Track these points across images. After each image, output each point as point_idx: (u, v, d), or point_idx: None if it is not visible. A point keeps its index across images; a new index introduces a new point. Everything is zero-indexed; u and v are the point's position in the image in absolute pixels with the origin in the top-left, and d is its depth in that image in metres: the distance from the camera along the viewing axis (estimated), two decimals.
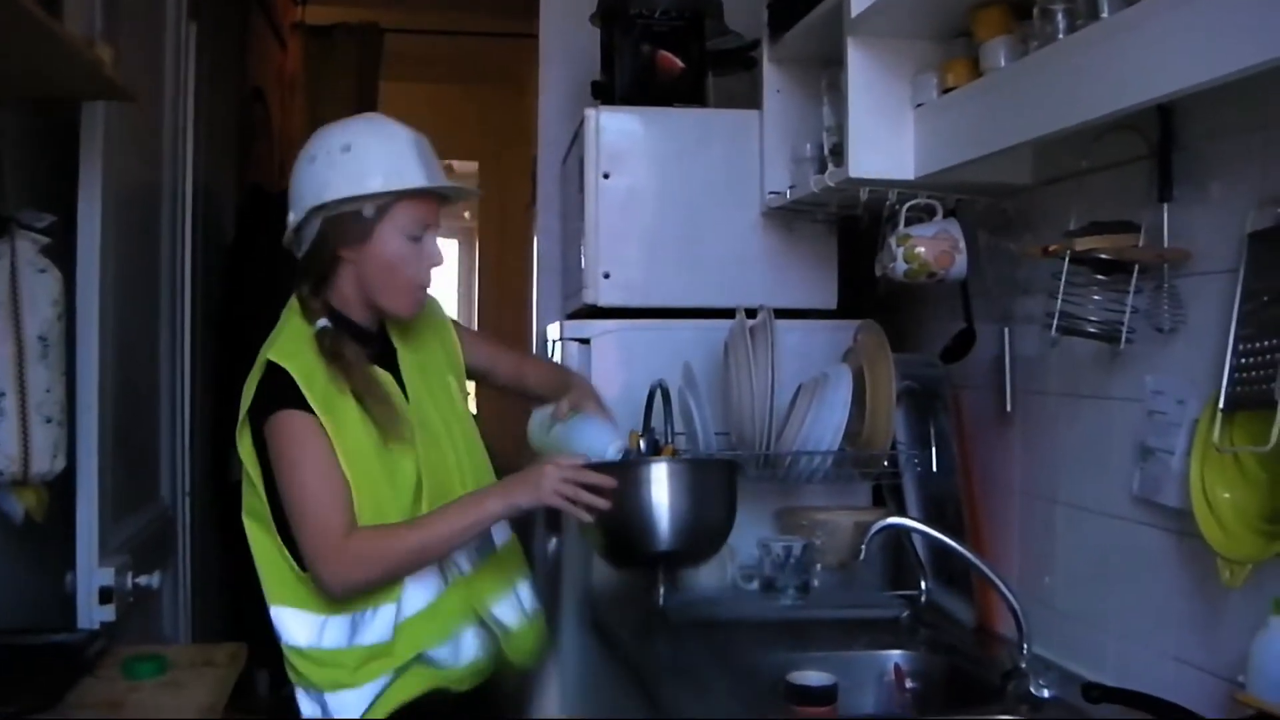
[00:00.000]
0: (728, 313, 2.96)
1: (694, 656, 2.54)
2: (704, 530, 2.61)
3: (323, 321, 2.38)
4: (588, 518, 2.34)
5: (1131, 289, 2.14)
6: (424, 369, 2.56)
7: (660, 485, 2.54)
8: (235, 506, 2.43)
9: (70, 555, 2.88)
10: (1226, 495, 1.90)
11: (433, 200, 2.44)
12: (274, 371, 2.30)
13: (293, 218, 2.41)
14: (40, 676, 2.37)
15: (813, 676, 2.23)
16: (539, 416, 2.70)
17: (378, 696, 2.34)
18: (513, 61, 7.55)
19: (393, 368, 2.49)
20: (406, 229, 2.39)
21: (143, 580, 3.08)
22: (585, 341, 3.13)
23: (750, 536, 2.94)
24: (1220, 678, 1.99)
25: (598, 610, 2.98)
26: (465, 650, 2.43)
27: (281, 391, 2.28)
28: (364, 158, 2.37)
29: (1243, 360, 1.86)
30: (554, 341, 3.33)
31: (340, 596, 2.30)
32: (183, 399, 3.93)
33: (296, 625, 2.35)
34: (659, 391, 2.86)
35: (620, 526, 2.53)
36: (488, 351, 2.78)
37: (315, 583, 2.30)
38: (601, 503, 2.32)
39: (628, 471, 2.52)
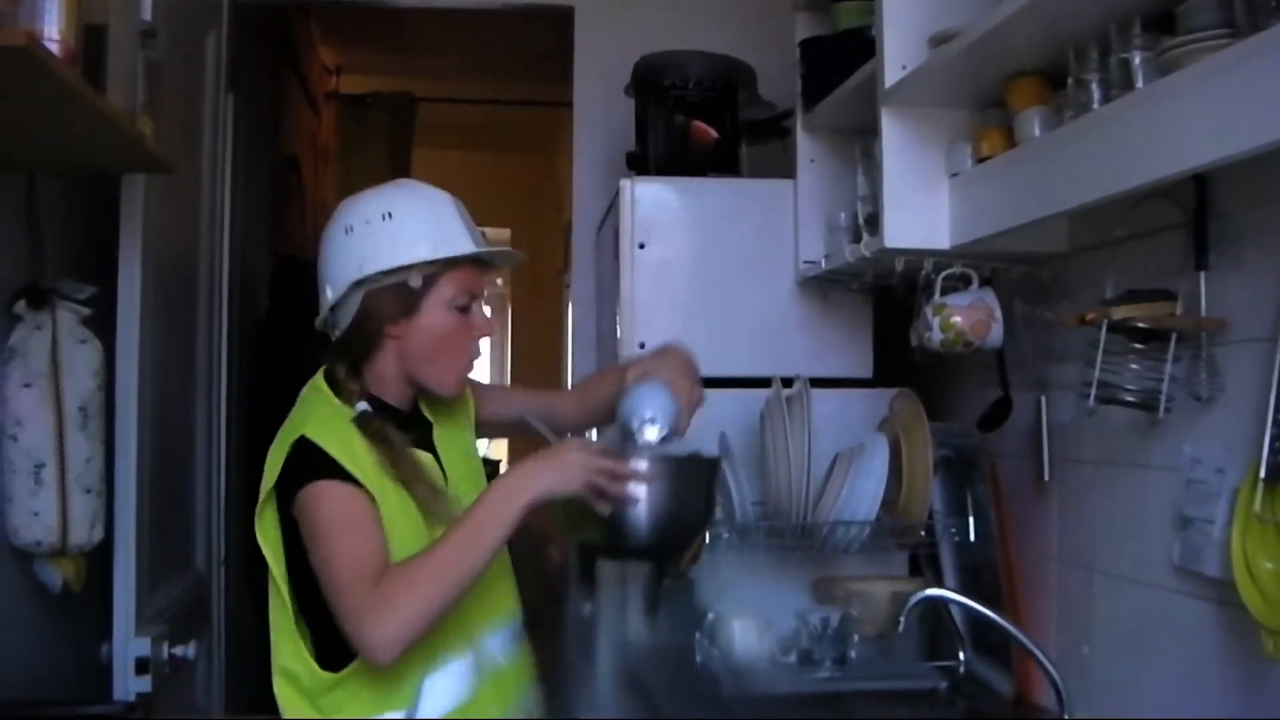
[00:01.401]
0: (763, 382, 2.96)
1: None
2: (680, 527, 2.39)
3: (363, 405, 2.25)
4: (608, 510, 2.16)
5: (1169, 357, 2.13)
6: (455, 442, 2.44)
7: (657, 482, 2.26)
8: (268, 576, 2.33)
9: (106, 625, 2.88)
10: (1269, 565, 1.87)
11: (478, 267, 2.33)
12: (307, 448, 2.14)
13: (330, 295, 2.28)
14: None
15: None
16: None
17: None
18: (545, 129, 7.61)
19: (429, 447, 2.36)
20: (455, 299, 2.26)
21: (179, 650, 3.08)
22: None
23: (787, 607, 2.92)
24: None
25: (636, 675, 2.97)
26: None
27: (319, 465, 2.12)
28: (408, 225, 2.25)
29: None
30: None
31: (386, 657, 2.05)
32: (218, 468, 3.94)
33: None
34: None
35: (615, 519, 2.25)
36: (541, 400, 2.65)
37: (362, 655, 2.08)
38: (635, 495, 2.17)
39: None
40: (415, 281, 2.24)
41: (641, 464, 2.20)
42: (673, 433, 2.33)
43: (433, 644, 2.16)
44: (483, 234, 2.37)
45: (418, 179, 2.46)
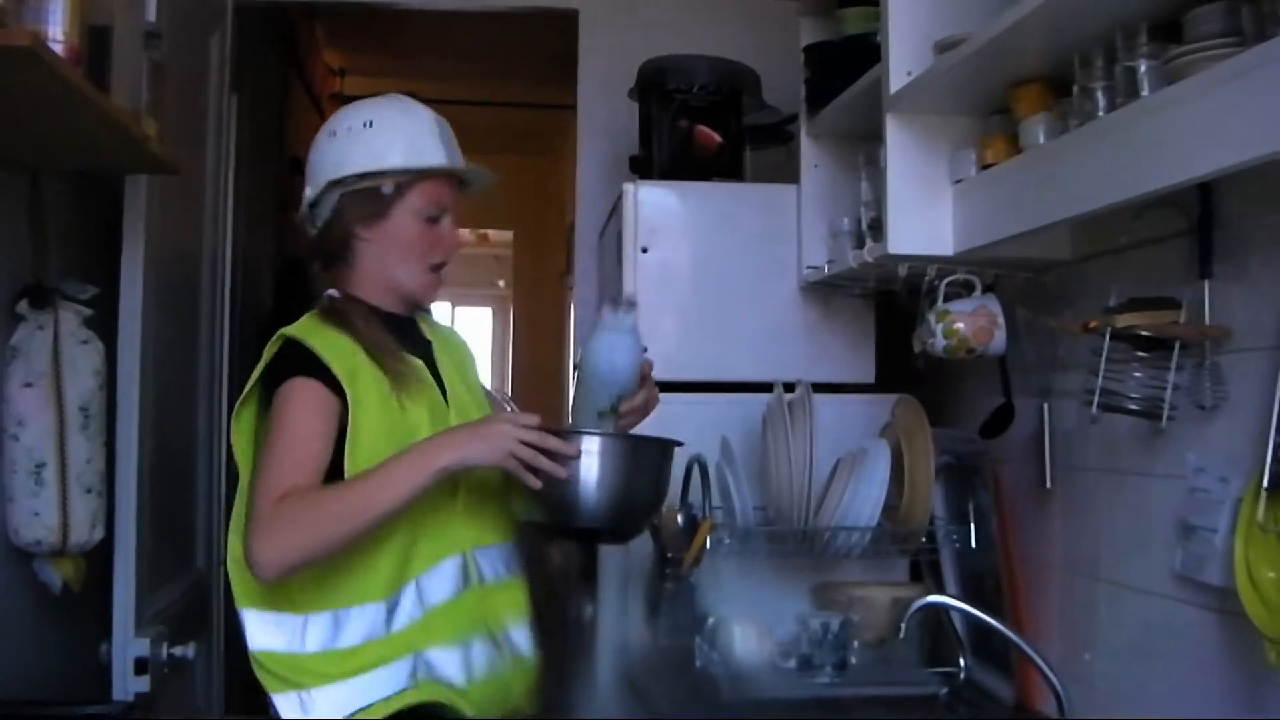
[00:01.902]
0: (765, 387, 2.95)
1: None
2: (631, 509, 2.34)
3: (331, 291, 2.37)
4: (538, 484, 2.17)
5: (1173, 366, 2.13)
6: (455, 366, 2.51)
7: (592, 459, 2.24)
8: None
9: (106, 625, 2.88)
10: (1271, 575, 1.87)
11: (451, 183, 2.43)
12: (292, 345, 2.24)
13: (309, 192, 2.39)
14: None
15: None
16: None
17: (375, 701, 2.18)
18: (549, 132, 7.62)
19: (428, 359, 2.42)
20: (423, 210, 2.37)
21: (178, 651, 3.07)
22: None
23: (787, 612, 2.92)
24: None
25: (635, 679, 2.96)
26: (475, 665, 2.28)
27: (299, 361, 2.21)
28: (385, 134, 2.36)
29: None
30: None
31: (264, 575, 2.10)
32: (218, 469, 3.93)
33: (272, 629, 2.23)
34: (696, 466, 2.85)
35: (547, 496, 2.24)
36: None
37: (246, 558, 2.12)
38: (560, 471, 2.18)
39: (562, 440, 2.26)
40: (387, 188, 2.35)
41: (575, 441, 2.22)
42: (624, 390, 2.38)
43: (418, 546, 2.25)
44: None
45: None
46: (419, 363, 2.38)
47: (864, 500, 2.79)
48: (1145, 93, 1.92)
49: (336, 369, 2.21)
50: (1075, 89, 2.13)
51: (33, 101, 2.08)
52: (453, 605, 2.28)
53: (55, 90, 2.02)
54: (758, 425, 2.98)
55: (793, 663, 2.88)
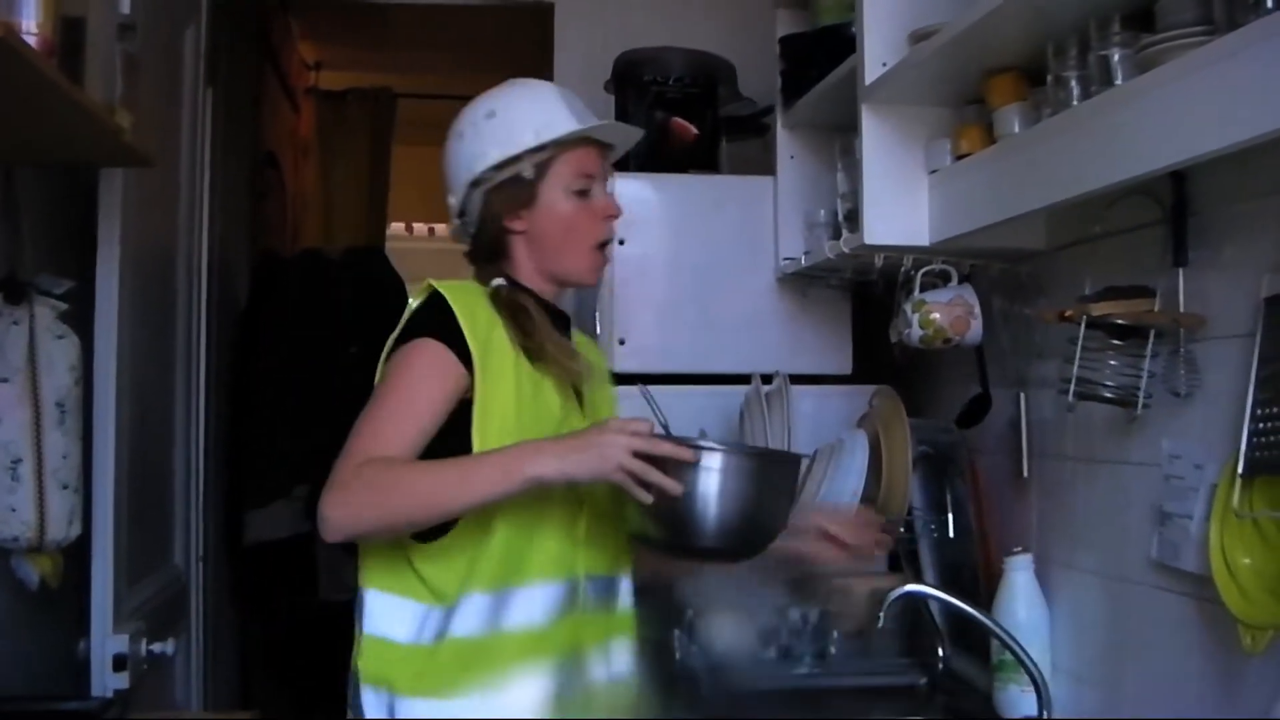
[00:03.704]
0: (743, 378, 2.96)
1: None
2: (755, 532, 2.19)
3: (499, 280, 2.27)
4: (649, 499, 2.00)
5: (1148, 354, 2.14)
6: (596, 376, 2.42)
7: (711, 473, 2.06)
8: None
9: (84, 622, 2.87)
10: (1247, 560, 1.88)
11: (594, 148, 2.34)
12: (436, 301, 2.16)
13: (453, 201, 2.32)
14: None
15: None
16: None
17: None
18: None
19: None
20: (571, 183, 2.29)
21: (156, 647, 3.06)
22: None
23: (766, 603, 2.92)
24: None
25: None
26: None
27: (440, 320, 2.13)
28: (511, 118, 2.27)
29: (1261, 425, 1.85)
30: None
31: (327, 535, 2.03)
32: (196, 463, 3.92)
33: (397, 615, 2.15)
34: None
35: (662, 511, 2.07)
36: None
37: (319, 513, 2.03)
38: (674, 487, 2.00)
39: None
40: (528, 171, 2.27)
41: (688, 451, 2.03)
42: None
43: (533, 559, 2.16)
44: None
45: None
46: (584, 360, 2.32)
47: (842, 490, 2.79)
48: (1119, 81, 1.93)
49: (470, 338, 2.13)
50: (1049, 78, 2.14)
51: (5, 94, 2.06)
52: (549, 629, 2.19)
53: (28, 82, 2.01)
54: (736, 417, 2.99)
55: (772, 654, 2.89)
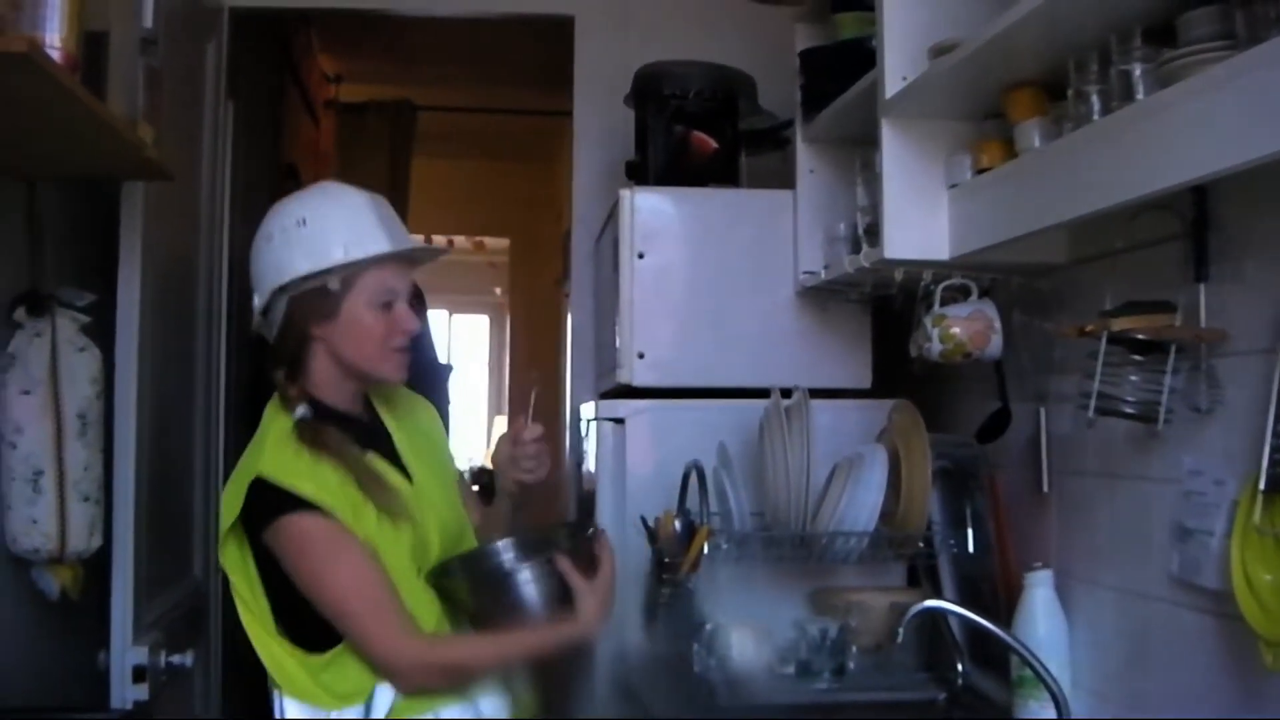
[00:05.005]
0: (762, 393, 2.95)
1: None
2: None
3: (301, 409, 2.30)
4: None
5: (1169, 369, 2.13)
6: (420, 446, 2.50)
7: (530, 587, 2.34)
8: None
9: (104, 633, 2.88)
10: (1268, 577, 1.87)
11: (400, 265, 2.37)
12: (262, 487, 2.19)
13: (258, 301, 2.34)
14: None
15: None
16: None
17: None
18: (544, 138, 7.61)
19: (390, 452, 2.42)
20: (376, 297, 2.31)
21: (176, 659, 3.07)
22: (620, 421, 3.13)
23: (785, 617, 2.92)
24: None
25: (633, 685, 2.96)
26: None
27: (278, 501, 2.18)
28: (322, 229, 2.30)
29: None
30: (588, 421, 3.33)
31: (406, 690, 2.23)
32: (216, 476, 3.93)
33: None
34: (694, 472, 2.85)
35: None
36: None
37: (389, 680, 2.22)
38: None
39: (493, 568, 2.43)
40: (334, 284, 2.30)
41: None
42: None
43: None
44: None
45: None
46: (395, 481, 2.37)
47: (861, 505, 2.78)
48: (1140, 96, 1.93)
49: (323, 497, 2.19)
50: (1070, 92, 2.13)
51: (29, 108, 2.08)
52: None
53: (51, 96, 2.02)
54: (755, 431, 2.98)
55: (790, 668, 2.88)
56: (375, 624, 2.20)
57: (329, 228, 2.30)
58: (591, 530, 2.46)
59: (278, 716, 2.27)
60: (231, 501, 2.23)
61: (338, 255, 2.28)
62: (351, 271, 2.30)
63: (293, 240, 2.30)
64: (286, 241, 2.30)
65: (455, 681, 2.27)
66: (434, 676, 2.25)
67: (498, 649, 2.31)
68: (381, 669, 2.20)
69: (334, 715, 2.23)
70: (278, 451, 2.25)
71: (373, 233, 2.32)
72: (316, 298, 2.30)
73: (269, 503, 2.19)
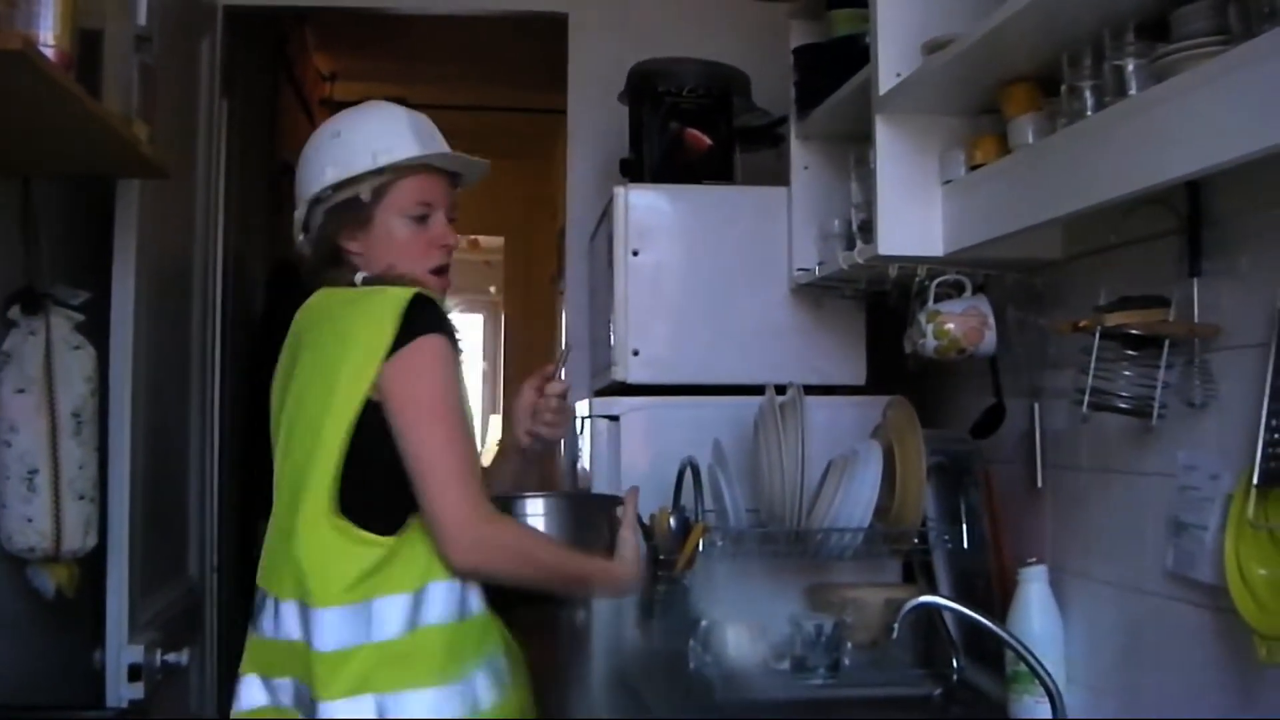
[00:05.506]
0: (757, 389, 2.96)
1: None
2: None
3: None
4: None
5: (1163, 364, 2.13)
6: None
7: (538, 522, 2.40)
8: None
9: (99, 631, 2.87)
10: (1262, 571, 1.87)
11: (437, 177, 2.34)
12: (428, 301, 2.15)
13: (298, 215, 2.33)
14: None
15: None
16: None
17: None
18: (539, 136, 7.61)
19: None
20: (408, 209, 2.28)
21: (171, 657, 3.07)
22: (614, 419, 3.13)
23: (780, 614, 2.92)
24: None
25: (629, 681, 2.96)
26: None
27: (439, 319, 2.15)
28: (352, 139, 2.29)
29: (1276, 435, 1.85)
30: (583, 419, 3.33)
31: (467, 569, 2.13)
32: (211, 474, 3.93)
33: (361, 621, 2.10)
34: (689, 469, 2.85)
35: None
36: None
37: (439, 541, 2.09)
38: None
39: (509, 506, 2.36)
40: (365, 194, 2.27)
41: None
42: None
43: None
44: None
45: None
46: None
47: (856, 501, 2.79)
48: (1133, 91, 1.93)
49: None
50: (1063, 88, 2.13)
51: (23, 105, 2.08)
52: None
53: (46, 94, 2.02)
54: (749, 428, 2.98)
55: (786, 664, 2.88)
56: (463, 479, 2.11)
57: (359, 138, 2.29)
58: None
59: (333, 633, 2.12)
60: (379, 319, 2.13)
61: (365, 162, 2.25)
62: (382, 181, 2.27)
63: (325, 151, 2.30)
64: (319, 153, 2.30)
65: (511, 566, 2.18)
66: (495, 552, 2.15)
67: (557, 557, 2.26)
68: (450, 527, 2.08)
69: (373, 629, 2.11)
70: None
71: (405, 141, 2.29)
72: (348, 208, 2.28)
73: (431, 316, 2.15)
